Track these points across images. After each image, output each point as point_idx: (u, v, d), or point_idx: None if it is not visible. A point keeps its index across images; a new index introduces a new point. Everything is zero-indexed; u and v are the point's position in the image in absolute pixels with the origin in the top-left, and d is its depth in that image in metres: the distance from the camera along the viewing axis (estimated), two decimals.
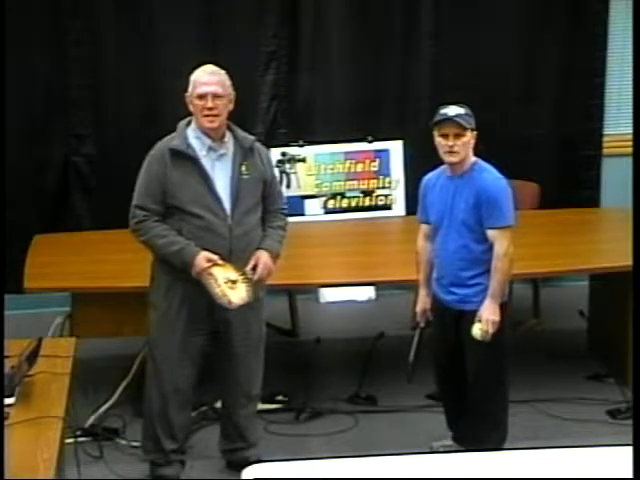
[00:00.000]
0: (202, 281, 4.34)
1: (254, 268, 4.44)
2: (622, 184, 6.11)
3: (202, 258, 4.33)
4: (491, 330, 4.41)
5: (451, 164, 4.45)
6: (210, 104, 4.34)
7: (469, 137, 4.40)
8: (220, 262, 4.35)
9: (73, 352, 4.12)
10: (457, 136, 4.37)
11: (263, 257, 4.48)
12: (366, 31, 6.51)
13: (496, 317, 4.41)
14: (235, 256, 4.41)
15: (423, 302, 4.68)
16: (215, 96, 4.35)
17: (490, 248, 4.42)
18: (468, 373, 4.59)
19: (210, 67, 4.43)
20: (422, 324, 4.79)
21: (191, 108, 4.41)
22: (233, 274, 4.36)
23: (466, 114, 4.41)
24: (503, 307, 4.49)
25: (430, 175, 4.64)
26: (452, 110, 4.39)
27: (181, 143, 4.39)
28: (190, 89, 4.40)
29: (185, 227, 4.39)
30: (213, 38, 6.35)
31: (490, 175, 4.46)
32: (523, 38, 6.63)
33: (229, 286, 4.35)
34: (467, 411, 4.67)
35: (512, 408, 4.77)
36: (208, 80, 4.36)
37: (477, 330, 4.43)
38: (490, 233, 4.41)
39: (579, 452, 3.32)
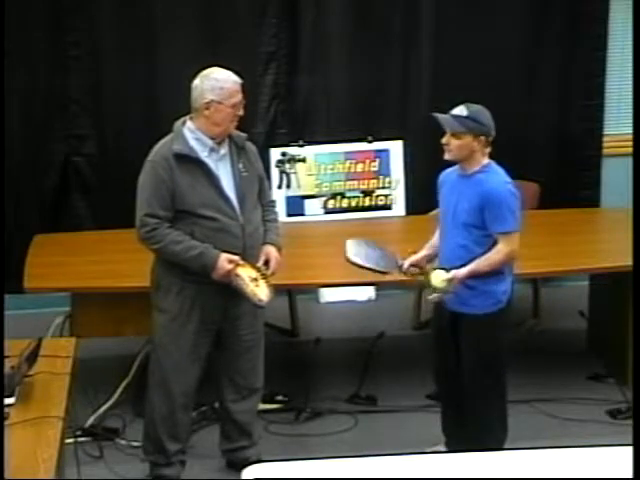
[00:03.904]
0: (232, 283, 4.34)
1: (266, 263, 4.49)
2: (622, 184, 6.11)
3: (224, 260, 4.33)
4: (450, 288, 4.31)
5: (455, 162, 4.43)
6: (242, 112, 4.42)
7: (467, 141, 4.35)
8: (241, 262, 4.38)
9: (73, 352, 4.12)
10: (454, 135, 4.36)
11: (273, 252, 4.53)
12: (366, 31, 6.50)
13: (459, 282, 4.32)
14: (248, 254, 4.44)
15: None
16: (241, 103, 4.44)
17: (489, 251, 4.38)
18: (464, 374, 4.55)
19: (230, 72, 4.42)
20: (406, 267, 4.58)
21: (210, 114, 4.35)
22: (253, 272, 4.41)
23: (466, 117, 4.35)
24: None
25: (446, 171, 4.60)
26: (457, 110, 4.38)
27: (184, 147, 4.38)
28: (221, 97, 4.34)
29: (198, 230, 4.38)
30: (213, 38, 6.33)
31: (496, 178, 4.40)
32: (523, 38, 6.62)
33: (255, 285, 4.39)
34: (463, 415, 4.64)
35: (512, 408, 4.76)
36: (239, 88, 4.40)
37: (437, 281, 4.33)
38: (496, 237, 4.36)
39: (579, 452, 3.33)
